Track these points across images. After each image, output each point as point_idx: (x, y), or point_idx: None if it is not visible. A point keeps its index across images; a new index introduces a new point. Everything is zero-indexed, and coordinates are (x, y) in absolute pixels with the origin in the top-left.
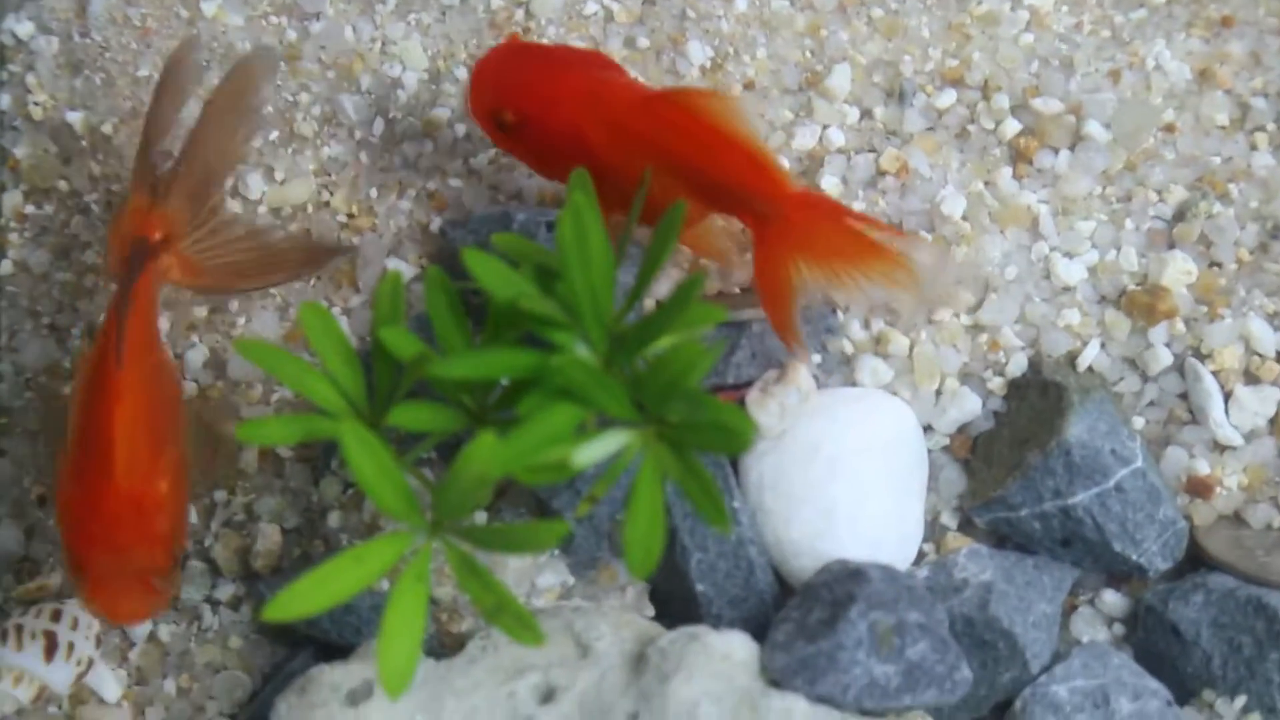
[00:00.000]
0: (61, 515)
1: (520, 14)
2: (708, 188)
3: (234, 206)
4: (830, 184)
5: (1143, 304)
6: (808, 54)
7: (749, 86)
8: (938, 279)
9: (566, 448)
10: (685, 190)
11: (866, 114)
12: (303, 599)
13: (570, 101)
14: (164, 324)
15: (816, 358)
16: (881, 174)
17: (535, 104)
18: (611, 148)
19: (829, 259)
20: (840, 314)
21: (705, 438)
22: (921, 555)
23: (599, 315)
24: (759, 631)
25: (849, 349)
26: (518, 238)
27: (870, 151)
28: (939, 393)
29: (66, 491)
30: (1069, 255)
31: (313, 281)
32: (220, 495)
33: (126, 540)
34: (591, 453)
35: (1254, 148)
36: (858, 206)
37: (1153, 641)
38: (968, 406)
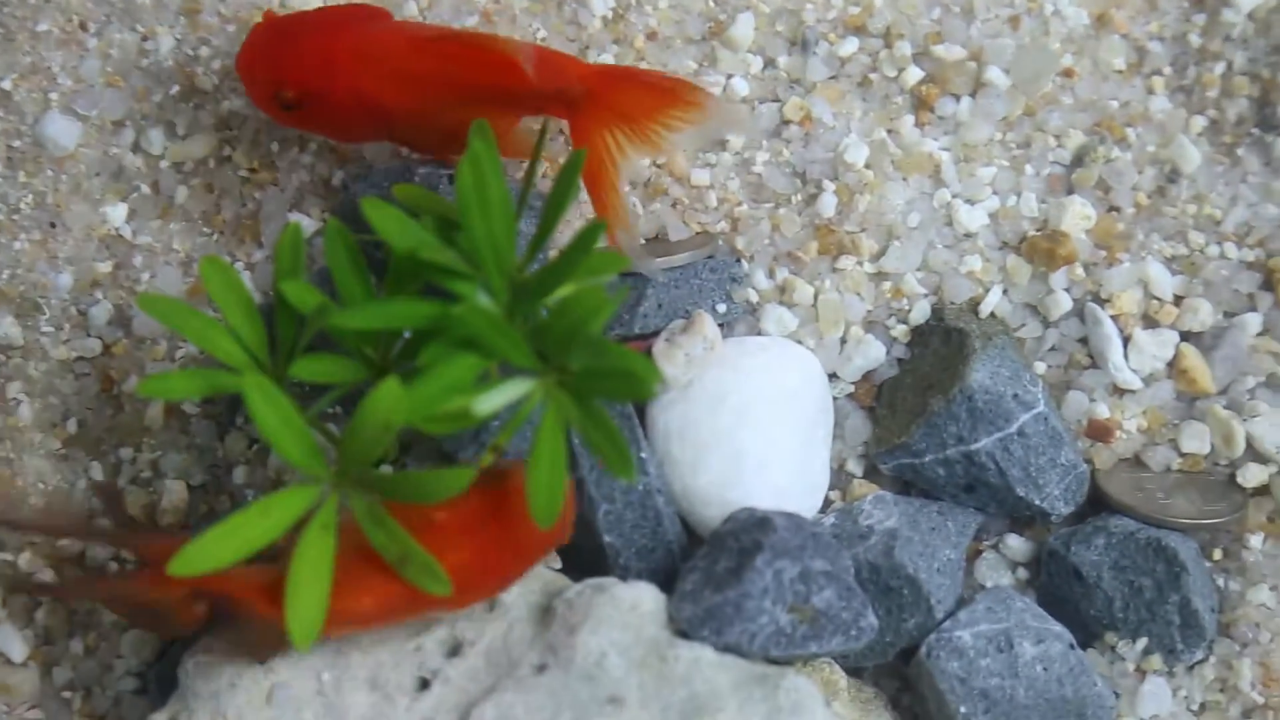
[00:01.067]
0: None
1: None
2: (510, 99)
3: (135, 161)
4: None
5: (1043, 249)
6: (710, 3)
7: (652, 37)
8: (723, 109)
9: (468, 397)
10: (492, 109)
11: (770, 63)
12: (209, 553)
13: (346, 63)
14: (66, 280)
15: (721, 307)
16: (785, 123)
17: (312, 75)
18: (400, 96)
19: (639, 120)
20: (745, 263)
21: (608, 385)
22: (828, 502)
23: (500, 264)
24: (667, 581)
25: (754, 298)
26: (418, 189)
27: (774, 101)
28: (844, 340)
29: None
30: (970, 202)
31: (215, 236)
32: (126, 452)
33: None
34: (492, 401)
35: (1151, 92)
36: (762, 156)
37: (1056, 585)
38: (872, 354)
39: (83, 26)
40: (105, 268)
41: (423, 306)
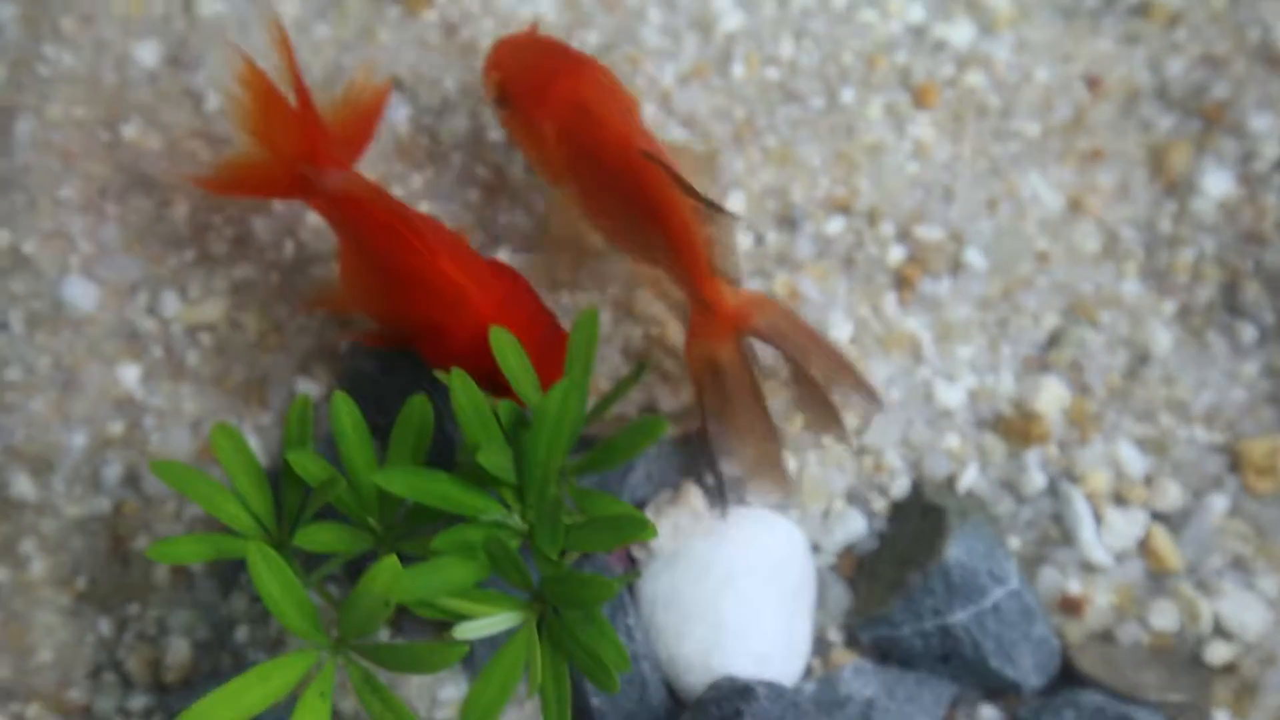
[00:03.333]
0: None
1: (425, 140)
2: None
3: (149, 324)
4: None
5: (1018, 428)
6: (704, 181)
7: None
8: None
9: (459, 602)
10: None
11: (759, 240)
12: (210, 716)
13: None
14: (79, 440)
15: (708, 478)
16: (773, 298)
17: None
18: None
19: None
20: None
21: (582, 657)
22: (809, 670)
23: (544, 488)
24: None
25: (740, 471)
26: (519, 357)
27: (762, 277)
28: (826, 513)
29: None
30: (949, 379)
31: (223, 398)
32: (133, 608)
33: None
34: (476, 632)
35: (1122, 275)
36: None
37: None
38: (853, 527)
39: (102, 193)
40: (117, 428)
41: (457, 491)
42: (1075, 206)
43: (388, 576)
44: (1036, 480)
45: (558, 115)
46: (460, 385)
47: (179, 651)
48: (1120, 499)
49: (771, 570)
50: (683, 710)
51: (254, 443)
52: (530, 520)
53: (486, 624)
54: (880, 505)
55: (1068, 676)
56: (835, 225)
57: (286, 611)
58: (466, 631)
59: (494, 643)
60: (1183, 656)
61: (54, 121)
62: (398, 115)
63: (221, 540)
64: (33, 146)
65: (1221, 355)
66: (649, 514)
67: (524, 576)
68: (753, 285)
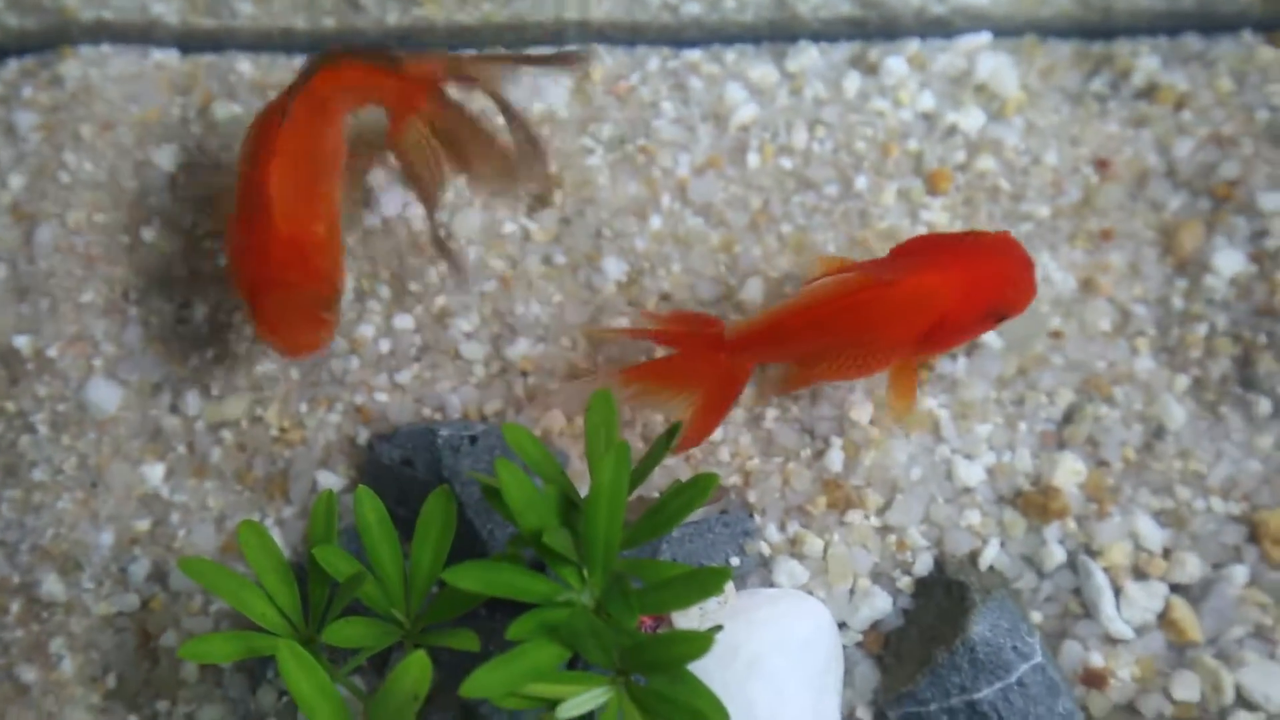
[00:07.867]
0: (233, 264)
1: (441, 233)
2: None
3: (172, 422)
4: (747, 391)
5: (1037, 503)
6: (722, 268)
7: (665, 299)
8: None
9: (548, 686)
10: None
11: None
12: None
13: None
14: (107, 538)
15: (735, 560)
16: None
17: None
18: None
19: None
20: (757, 517)
21: (676, 715)
22: None
23: (607, 561)
24: None
25: (766, 551)
26: (534, 442)
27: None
28: (852, 591)
29: (235, 243)
30: (968, 457)
31: (247, 494)
32: (163, 705)
33: (292, 278)
34: (576, 709)
35: (1135, 352)
36: (771, 413)
37: None
38: (879, 605)
39: (125, 296)
40: (144, 525)
41: (531, 581)
42: (1087, 286)
43: (417, 670)
44: (1056, 555)
45: None
46: (508, 475)
47: None
48: (1139, 572)
49: (799, 649)
50: None
51: (276, 535)
52: (597, 595)
53: (586, 699)
54: (904, 583)
55: None
56: None
57: (317, 709)
58: (569, 710)
59: None
60: None
61: (75, 227)
62: (412, 212)
63: (252, 638)
64: (55, 252)
65: (1236, 428)
66: None
67: (607, 651)
68: (774, 369)
